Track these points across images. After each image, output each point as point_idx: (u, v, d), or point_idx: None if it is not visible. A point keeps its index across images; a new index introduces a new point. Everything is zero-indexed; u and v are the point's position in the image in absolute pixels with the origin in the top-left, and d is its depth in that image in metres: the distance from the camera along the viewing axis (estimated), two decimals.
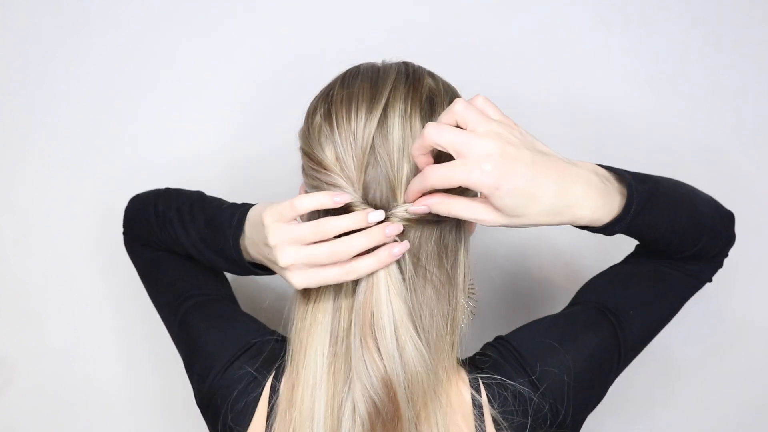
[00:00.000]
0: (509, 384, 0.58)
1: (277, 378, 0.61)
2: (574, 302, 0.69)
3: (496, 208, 0.49)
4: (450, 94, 0.57)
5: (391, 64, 0.58)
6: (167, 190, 0.77)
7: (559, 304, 0.99)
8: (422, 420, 0.55)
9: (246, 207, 0.64)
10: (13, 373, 1.07)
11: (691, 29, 0.90)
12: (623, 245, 0.71)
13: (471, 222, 0.57)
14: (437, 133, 0.48)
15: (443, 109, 0.54)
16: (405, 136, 0.53)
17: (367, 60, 0.60)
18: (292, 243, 0.53)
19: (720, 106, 0.92)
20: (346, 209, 0.53)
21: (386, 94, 0.54)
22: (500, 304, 1.01)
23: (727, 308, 0.98)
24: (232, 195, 0.76)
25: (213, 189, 0.77)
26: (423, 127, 0.53)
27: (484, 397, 0.58)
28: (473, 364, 0.62)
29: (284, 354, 0.62)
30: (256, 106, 0.96)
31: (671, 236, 0.62)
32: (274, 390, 0.60)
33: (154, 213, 0.73)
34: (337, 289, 0.55)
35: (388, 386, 0.52)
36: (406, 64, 0.58)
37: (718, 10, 0.89)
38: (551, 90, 0.93)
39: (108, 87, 0.96)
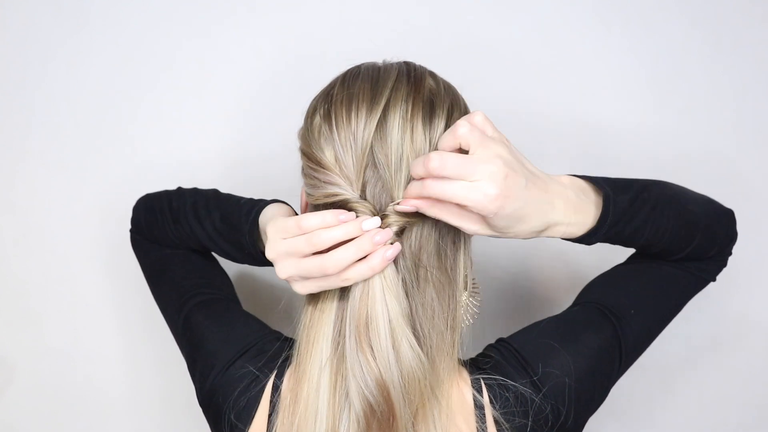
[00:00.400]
0: (511, 385, 0.58)
1: (279, 377, 0.61)
2: (575, 303, 0.69)
3: (486, 224, 0.51)
4: (451, 95, 0.57)
5: (391, 64, 0.58)
6: (180, 188, 0.78)
7: (559, 304, 0.99)
8: (419, 420, 0.55)
9: (262, 204, 0.66)
10: (13, 373, 1.07)
11: (691, 29, 0.90)
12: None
13: None
14: (442, 167, 0.48)
15: (443, 110, 0.54)
16: (405, 137, 0.53)
17: (367, 60, 0.60)
18: (288, 256, 0.54)
19: (720, 106, 0.92)
20: (344, 207, 0.53)
21: (387, 94, 0.54)
22: (500, 305, 1.01)
23: (727, 308, 0.98)
24: None
25: (213, 188, 0.77)
26: (423, 128, 0.53)
27: (485, 398, 0.58)
28: (475, 365, 0.62)
29: (286, 353, 0.62)
30: (256, 106, 0.96)
31: (660, 240, 0.62)
32: (276, 388, 0.60)
33: (168, 209, 0.75)
34: (342, 289, 0.55)
35: (382, 386, 0.52)
36: (407, 64, 0.58)
37: (718, 10, 0.89)
38: (551, 90, 0.93)
39: (108, 87, 0.96)
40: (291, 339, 0.65)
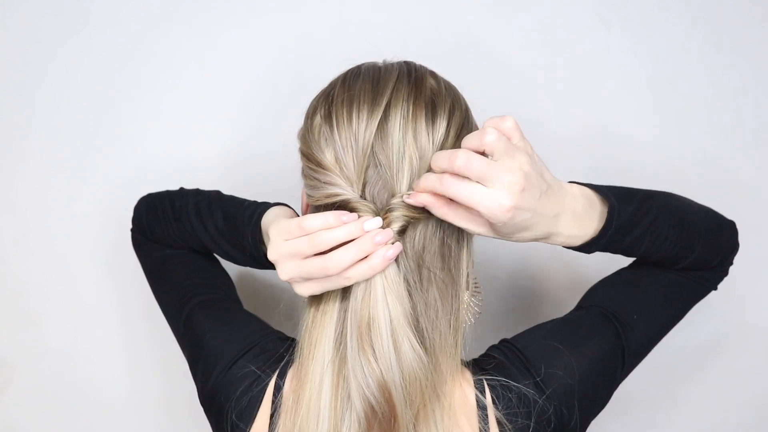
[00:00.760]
0: (514, 386, 0.58)
1: (281, 376, 0.61)
2: (579, 306, 0.69)
3: (492, 228, 0.52)
4: (452, 94, 0.57)
5: (392, 64, 0.58)
6: (182, 189, 0.78)
7: (560, 305, 0.99)
8: (421, 420, 0.55)
9: (265, 206, 0.66)
10: (13, 373, 1.07)
11: (691, 29, 0.90)
12: None
13: None
14: (467, 166, 0.48)
15: (445, 110, 0.54)
16: (407, 137, 0.53)
17: (367, 60, 0.60)
18: (290, 258, 0.54)
19: (720, 106, 0.92)
20: (345, 208, 0.53)
21: (388, 94, 0.54)
22: (502, 306, 1.01)
23: (727, 309, 0.98)
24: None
25: (213, 189, 0.77)
26: (425, 128, 0.53)
27: (488, 399, 0.58)
28: (478, 366, 0.62)
29: (287, 353, 0.62)
30: (256, 106, 0.96)
31: (658, 251, 0.63)
32: (278, 388, 0.60)
33: (170, 208, 0.75)
34: (343, 290, 0.55)
35: (383, 387, 0.52)
36: (407, 63, 0.58)
37: (718, 10, 0.89)
38: (551, 90, 0.93)
39: (108, 87, 0.96)
40: (293, 339, 0.65)
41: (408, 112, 0.53)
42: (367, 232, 0.52)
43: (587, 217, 0.57)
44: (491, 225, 0.52)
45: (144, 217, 0.79)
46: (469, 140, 0.51)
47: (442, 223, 0.55)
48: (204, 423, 0.67)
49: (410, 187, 0.53)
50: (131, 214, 0.82)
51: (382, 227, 0.52)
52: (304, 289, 0.55)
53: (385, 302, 0.52)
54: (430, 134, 0.53)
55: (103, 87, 0.96)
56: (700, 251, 0.64)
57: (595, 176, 0.94)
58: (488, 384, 0.59)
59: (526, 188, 0.49)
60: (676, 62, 0.91)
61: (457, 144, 0.54)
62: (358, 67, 0.58)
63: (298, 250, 0.53)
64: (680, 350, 1.00)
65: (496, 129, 0.50)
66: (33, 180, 1.00)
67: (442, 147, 0.53)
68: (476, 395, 0.59)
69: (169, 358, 1.00)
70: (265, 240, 0.63)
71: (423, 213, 0.54)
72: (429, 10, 0.92)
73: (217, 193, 0.75)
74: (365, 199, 0.54)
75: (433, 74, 0.58)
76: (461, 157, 0.48)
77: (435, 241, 0.55)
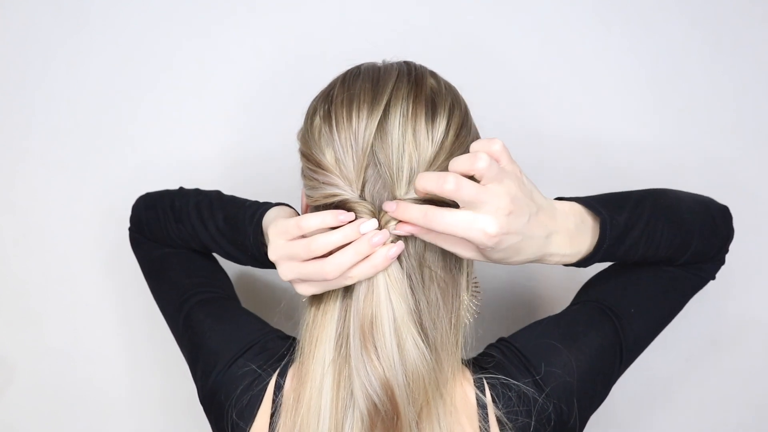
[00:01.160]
0: (513, 384, 0.59)
1: (281, 375, 0.61)
2: (575, 301, 0.69)
3: (481, 253, 0.52)
4: (451, 94, 0.57)
5: (392, 64, 0.58)
6: (182, 188, 0.78)
7: (559, 303, 0.99)
8: (423, 418, 0.55)
9: (267, 206, 0.66)
10: (13, 373, 1.07)
11: (691, 29, 0.90)
12: None
13: None
14: (456, 191, 0.48)
15: (444, 110, 0.54)
16: (406, 137, 0.53)
17: (367, 60, 0.60)
18: (289, 259, 0.54)
19: (720, 106, 0.92)
20: (344, 208, 0.53)
21: (388, 94, 0.54)
22: (500, 303, 1.01)
23: (727, 309, 0.98)
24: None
25: (213, 189, 0.77)
26: (425, 127, 0.53)
27: (488, 397, 0.58)
28: (477, 364, 0.62)
29: (288, 352, 0.62)
30: (256, 106, 0.96)
31: (655, 253, 0.63)
32: (279, 387, 0.60)
33: (170, 208, 0.75)
34: (344, 289, 0.55)
35: (386, 386, 0.52)
36: (407, 63, 0.58)
37: (718, 10, 0.89)
38: (551, 90, 0.93)
39: (108, 87, 0.96)
40: (293, 338, 0.65)
41: (408, 110, 0.53)
42: (364, 234, 0.51)
43: (580, 235, 0.58)
44: (481, 251, 0.52)
45: (143, 216, 0.79)
46: (460, 164, 0.50)
47: None
48: (204, 423, 0.67)
49: (408, 189, 0.53)
50: (130, 212, 0.82)
51: (381, 227, 0.52)
52: (305, 290, 0.55)
53: (389, 300, 0.53)
54: (430, 133, 0.53)
55: (103, 87, 0.96)
56: (696, 246, 0.64)
57: (595, 176, 0.94)
58: (488, 382, 0.59)
59: (514, 212, 0.49)
60: (676, 62, 0.91)
61: (456, 144, 0.54)
62: (358, 67, 0.58)
63: (295, 253, 0.53)
64: (680, 350, 1.00)
65: (486, 154, 0.49)
66: (33, 180, 1.00)
67: (441, 146, 0.53)
68: (476, 394, 0.59)
69: (169, 358, 1.00)
70: (266, 240, 0.63)
71: None
72: (429, 10, 0.92)
73: (218, 193, 0.75)
74: (364, 198, 0.54)
75: (433, 74, 0.58)
76: (450, 182, 0.48)
77: None
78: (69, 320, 1.04)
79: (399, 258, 0.53)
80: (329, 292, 0.56)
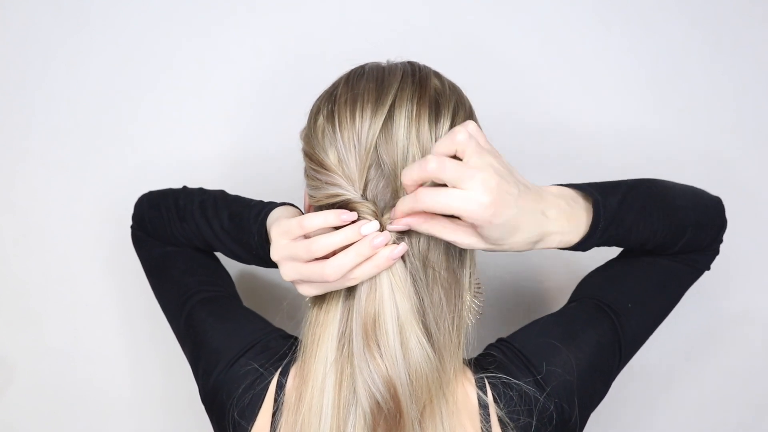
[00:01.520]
0: (515, 383, 0.59)
1: (284, 374, 0.61)
2: (572, 299, 0.69)
3: (480, 235, 0.51)
4: (456, 95, 0.57)
5: (396, 64, 0.58)
6: (185, 187, 0.78)
7: (558, 302, 0.99)
8: (426, 417, 0.55)
9: (271, 206, 0.66)
10: (13, 373, 1.07)
11: (691, 29, 0.90)
12: None
13: None
14: (440, 169, 0.47)
15: (449, 110, 0.54)
16: (410, 137, 0.53)
17: (367, 60, 0.60)
18: (290, 260, 0.54)
19: (720, 106, 0.92)
20: (346, 208, 0.53)
21: (392, 94, 0.54)
22: (499, 303, 1.01)
23: (727, 309, 0.98)
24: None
25: (214, 188, 0.77)
26: (429, 127, 0.53)
27: (489, 397, 0.59)
28: (479, 365, 0.62)
29: (290, 351, 0.62)
30: (256, 106, 0.96)
31: (651, 238, 0.63)
32: (281, 386, 0.61)
33: (174, 206, 0.75)
34: (347, 288, 0.55)
35: (389, 384, 0.52)
36: (411, 64, 0.58)
37: (718, 10, 0.89)
38: (551, 90, 0.93)
39: (108, 87, 0.96)
40: (295, 337, 0.65)
41: (412, 111, 0.53)
42: (365, 236, 0.51)
43: (574, 213, 0.57)
44: (479, 232, 0.51)
45: (146, 214, 0.79)
46: (440, 145, 0.49)
47: None
48: (204, 423, 0.67)
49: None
50: (131, 213, 0.82)
51: (384, 228, 0.52)
52: (307, 290, 0.55)
53: (393, 299, 0.53)
54: (434, 134, 0.53)
55: (103, 87, 0.96)
56: (690, 233, 0.65)
57: (595, 176, 0.94)
58: (489, 382, 0.59)
59: (501, 184, 0.48)
60: (676, 62, 0.91)
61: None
62: (362, 67, 0.58)
63: (296, 254, 0.53)
64: (680, 350, 1.00)
65: (461, 128, 0.49)
66: (33, 180, 1.00)
67: None
68: (478, 394, 0.59)
69: (170, 358, 1.00)
70: (270, 239, 0.63)
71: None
72: (429, 10, 0.92)
73: (222, 192, 0.75)
74: (366, 199, 0.54)
75: (437, 74, 0.58)
76: (432, 161, 0.47)
77: (439, 241, 0.55)
78: (69, 320, 1.04)
79: (403, 258, 0.53)
80: (332, 291, 0.56)
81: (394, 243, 0.53)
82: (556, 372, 0.59)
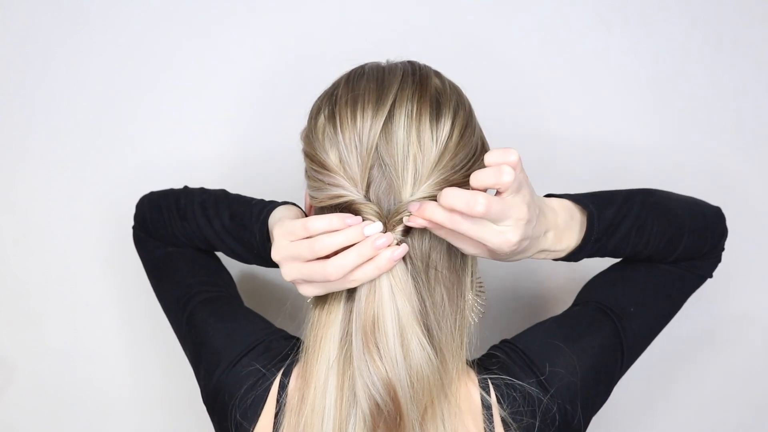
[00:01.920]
0: (518, 384, 0.59)
1: (286, 375, 0.61)
2: (576, 302, 0.70)
3: (489, 251, 0.54)
4: (456, 94, 0.57)
5: (396, 64, 0.58)
6: (186, 187, 0.78)
7: (559, 303, 0.99)
8: (428, 418, 0.55)
9: (273, 205, 0.66)
10: (13, 373, 1.07)
11: (691, 29, 0.90)
12: None
13: None
14: (488, 211, 0.48)
15: (449, 109, 0.54)
16: (411, 137, 0.53)
17: (367, 60, 0.60)
18: (292, 260, 0.54)
19: (720, 106, 0.92)
20: (349, 209, 0.53)
21: (393, 94, 0.54)
22: (501, 304, 1.01)
23: (727, 309, 0.98)
24: None
25: (214, 188, 0.77)
26: (430, 127, 0.53)
27: (493, 398, 0.59)
28: (482, 365, 0.62)
29: (292, 352, 0.62)
30: (256, 106, 0.96)
31: (645, 249, 0.64)
32: (283, 387, 0.60)
33: (175, 206, 0.75)
34: (349, 290, 0.55)
35: (389, 386, 0.52)
36: (411, 63, 0.58)
37: (718, 10, 0.89)
38: (551, 90, 0.93)
39: (108, 87, 0.96)
40: (297, 338, 0.65)
41: (413, 111, 0.53)
42: (368, 237, 0.51)
43: (568, 229, 0.59)
44: (490, 252, 0.53)
45: (147, 215, 0.79)
46: (483, 178, 0.49)
47: None
48: (205, 423, 0.67)
49: (414, 190, 0.53)
50: (132, 213, 0.81)
51: (387, 230, 0.52)
52: (308, 291, 0.55)
53: (393, 301, 0.53)
54: (434, 134, 0.53)
55: (103, 87, 0.96)
56: (687, 242, 0.65)
57: (594, 176, 0.94)
58: (492, 383, 0.59)
59: (530, 220, 0.51)
60: (676, 62, 0.91)
61: (460, 144, 0.54)
62: (362, 67, 0.58)
63: (299, 253, 0.53)
64: (680, 350, 1.00)
65: (509, 167, 0.48)
66: (33, 180, 0.99)
67: (446, 147, 0.53)
68: (481, 395, 0.59)
69: (170, 358, 1.00)
70: (272, 239, 0.63)
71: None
72: (429, 10, 0.92)
73: (223, 191, 0.75)
74: (369, 200, 0.54)
75: (438, 74, 0.58)
76: (481, 203, 0.47)
77: (442, 241, 0.55)
78: (69, 320, 1.04)
79: (404, 259, 0.53)
80: (334, 292, 0.56)
81: (396, 244, 0.53)
82: (559, 373, 0.59)
